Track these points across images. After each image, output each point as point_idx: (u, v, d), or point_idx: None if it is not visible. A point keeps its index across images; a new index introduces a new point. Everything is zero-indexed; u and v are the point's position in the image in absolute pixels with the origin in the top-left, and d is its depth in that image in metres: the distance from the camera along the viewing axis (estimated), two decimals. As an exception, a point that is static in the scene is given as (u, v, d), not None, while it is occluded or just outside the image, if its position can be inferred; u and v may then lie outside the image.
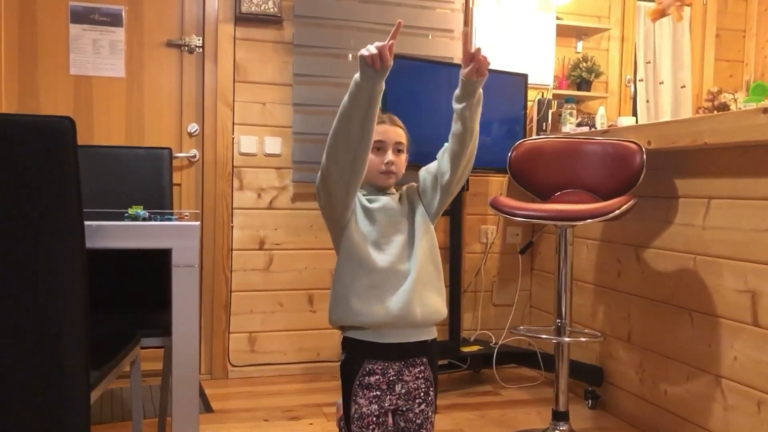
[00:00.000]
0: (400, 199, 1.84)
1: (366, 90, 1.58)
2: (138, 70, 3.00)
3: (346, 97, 1.61)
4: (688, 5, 2.84)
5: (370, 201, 1.78)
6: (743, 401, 2.05)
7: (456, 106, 1.74)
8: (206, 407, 2.67)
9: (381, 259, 1.70)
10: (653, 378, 2.46)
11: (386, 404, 1.68)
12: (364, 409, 1.68)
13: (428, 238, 1.80)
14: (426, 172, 1.86)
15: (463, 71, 1.67)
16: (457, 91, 1.72)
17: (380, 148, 1.76)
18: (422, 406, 1.77)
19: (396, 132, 1.79)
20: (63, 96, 2.92)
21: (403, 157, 1.81)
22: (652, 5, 3.74)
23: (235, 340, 3.10)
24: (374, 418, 1.69)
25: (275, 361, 3.15)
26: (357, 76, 1.59)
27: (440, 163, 1.84)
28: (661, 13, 2.79)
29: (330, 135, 1.65)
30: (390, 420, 1.72)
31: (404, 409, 1.73)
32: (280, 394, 2.87)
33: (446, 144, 1.81)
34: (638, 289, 2.56)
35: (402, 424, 1.74)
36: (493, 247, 3.43)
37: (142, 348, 1.90)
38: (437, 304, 1.74)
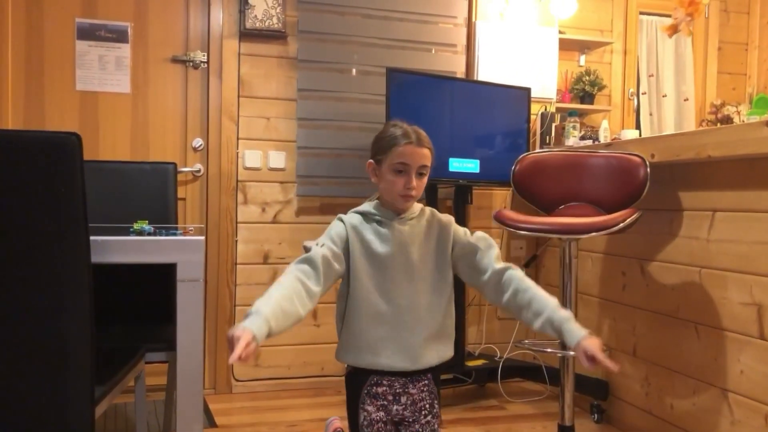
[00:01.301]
0: (428, 228, 1.73)
1: None
2: (143, 86, 3.02)
3: None
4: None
5: (380, 237, 1.68)
6: (750, 415, 2.04)
7: (546, 318, 1.60)
8: (210, 422, 2.66)
9: (391, 310, 1.67)
10: (659, 392, 2.45)
11: (392, 413, 1.69)
12: (374, 415, 1.68)
13: (447, 290, 1.74)
14: (474, 250, 1.73)
15: (580, 353, 1.52)
16: (549, 319, 1.59)
17: (403, 171, 1.66)
18: (428, 418, 1.77)
19: (422, 154, 1.67)
20: (69, 111, 2.94)
21: (425, 179, 1.70)
22: (662, 20, 3.78)
23: (240, 354, 3.09)
24: (383, 425, 1.69)
25: (279, 375, 3.14)
26: None
27: (482, 277, 1.73)
28: (675, 29, 2.83)
29: None
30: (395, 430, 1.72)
31: (410, 420, 1.73)
32: (284, 409, 2.86)
33: (495, 274, 1.70)
34: (643, 303, 2.55)
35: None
36: (497, 261, 3.42)
37: (146, 363, 1.89)
38: (446, 351, 1.74)
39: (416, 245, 1.71)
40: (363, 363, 1.65)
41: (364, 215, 1.73)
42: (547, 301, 1.61)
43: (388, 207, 1.71)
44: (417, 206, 1.72)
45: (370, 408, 1.68)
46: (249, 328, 1.35)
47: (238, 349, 1.30)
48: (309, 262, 1.59)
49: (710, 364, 2.21)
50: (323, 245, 1.63)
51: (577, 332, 1.53)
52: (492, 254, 1.73)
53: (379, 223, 1.70)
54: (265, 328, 1.40)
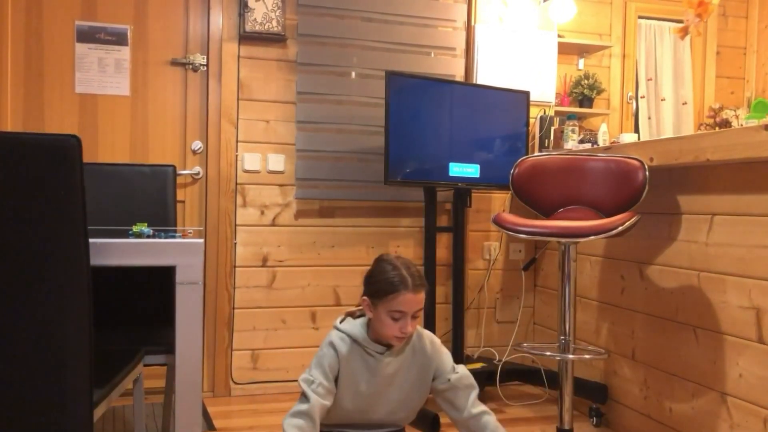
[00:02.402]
0: (412, 357, 1.83)
1: None
2: (143, 89, 3.02)
3: None
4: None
5: (368, 371, 1.78)
6: (749, 419, 2.04)
7: None
8: (209, 425, 2.66)
9: (363, 420, 1.81)
10: (658, 395, 2.45)
11: None
12: None
13: (419, 405, 1.87)
14: (454, 389, 1.85)
15: None
16: None
17: (399, 318, 1.72)
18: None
19: (419, 300, 1.74)
20: (68, 114, 2.94)
21: (419, 318, 1.79)
22: (660, 24, 3.79)
23: (238, 357, 3.09)
24: None
25: (278, 378, 3.14)
26: None
27: (457, 414, 1.86)
28: (686, 31, 2.85)
29: None
30: None
31: None
32: (282, 412, 2.84)
33: (471, 417, 1.85)
34: (642, 306, 2.55)
35: None
36: (496, 264, 3.42)
37: (145, 365, 1.89)
38: (406, 423, 1.92)
39: (399, 377, 1.82)
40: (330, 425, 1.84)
41: (355, 342, 1.80)
42: None
43: (378, 339, 1.79)
44: None
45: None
46: None
47: None
48: (306, 416, 1.71)
49: (709, 367, 2.21)
50: (319, 384, 1.74)
51: None
52: (471, 396, 1.84)
53: (368, 354, 1.79)
54: None
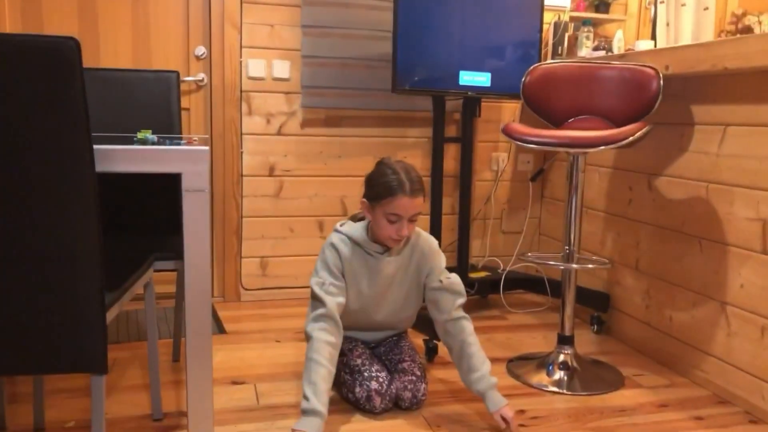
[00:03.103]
0: (410, 256, 1.89)
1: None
2: (142, -10, 2.92)
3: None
4: None
5: (369, 272, 1.83)
6: (747, 327, 2.08)
7: (477, 378, 1.82)
8: (219, 329, 2.74)
9: (366, 320, 1.91)
10: (659, 305, 2.49)
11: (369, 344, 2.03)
12: (354, 343, 1.96)
13: (416, 303, 1.95)
14: (442, 291, 1.90)
15: (497, 417, 1.77)
16: (479, 380, 1.81)
17: (395, 221, 1.75)
18: (397, 339, 2.05)
19: (416, 205, 1.75)
20: (68, 18, 2.86)
21: (416, 222, 1.82)
22: None
23: (247, 264, 3.15)
24: (362, 347, 1.94)
25: (286, 285, 3.21)
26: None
27: (438, 314, 1.91)
28: None
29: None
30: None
31: (387, 348, 2.02)
32: (291, 317, 2.94)
33: (451, 320, 1.90)
34: (649, 217, 2.56)
35: (382, 348, 1.94)
36: (503, 175, 3.41)
37: (155, 271, 1.93)
38: (407, 326, 2.06)
39: (399, 276, 1.88)
40: None
41: (355, 243, 1.83)
42: (483, 364, 1.83)
43: (377, 240, 1.83)
44: None
45: (350, 344, 1.95)
46: None
47: None
48: (327, 319, 1.74)
49: (711, 277, 2.23)
50: (330, 284, 1.78)
51: (499, 400, 1.78)
52: (457, 302, 1.89)
53: (369, 254, 1.83)
54: (322, 424, 1.61)
